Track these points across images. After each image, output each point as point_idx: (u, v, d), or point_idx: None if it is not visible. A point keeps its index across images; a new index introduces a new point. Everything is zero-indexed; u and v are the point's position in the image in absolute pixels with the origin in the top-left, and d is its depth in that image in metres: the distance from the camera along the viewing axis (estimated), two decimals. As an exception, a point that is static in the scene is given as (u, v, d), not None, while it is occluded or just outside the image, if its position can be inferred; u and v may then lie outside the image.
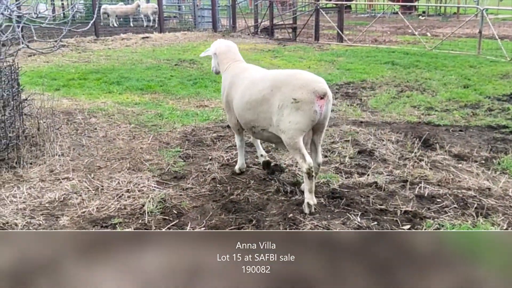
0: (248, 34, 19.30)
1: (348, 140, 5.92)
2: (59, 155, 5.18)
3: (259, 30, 19.75)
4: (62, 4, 26.43)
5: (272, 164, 4.84)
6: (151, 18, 22.76)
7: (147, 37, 17.31)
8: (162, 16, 19.73)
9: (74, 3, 26.30)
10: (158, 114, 7.26)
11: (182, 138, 6.03)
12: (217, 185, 4.45)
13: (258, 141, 4.75)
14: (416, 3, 30.44)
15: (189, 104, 8.13)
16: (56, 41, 5.43)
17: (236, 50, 4.77)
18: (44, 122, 5.86)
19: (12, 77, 4.89)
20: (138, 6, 22.87)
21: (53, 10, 25.87)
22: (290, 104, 3.69)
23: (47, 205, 4.02)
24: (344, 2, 19.16)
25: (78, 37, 16.53)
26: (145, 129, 6.48)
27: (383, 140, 6.04)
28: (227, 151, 5.46)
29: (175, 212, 3.86)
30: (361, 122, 6.99)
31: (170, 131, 6.41)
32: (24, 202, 4.02)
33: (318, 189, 4.26)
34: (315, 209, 3.86)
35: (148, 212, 3.85)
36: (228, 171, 4.82)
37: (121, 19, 24.18)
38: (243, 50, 14.96)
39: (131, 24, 23.20)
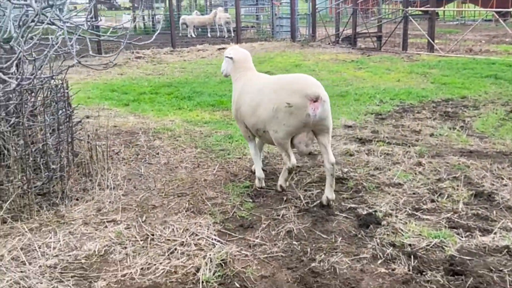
0: (329, 44, 18.22)
1: (458, 178, 4.72)
2: (111, 188, 4.47)
3: (340, 39, 18.62)
4: (143, 17, 26.81)
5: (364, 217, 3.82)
6: (224, 28, 22.34)
7: (223, 48, 16.76)
8: (240, 26, 19.16)
9: (153, 14, 26.65)
10: (228, 135, 6.43)
11: (252, 170, 5.13)
12: (293, 241, 3.47)
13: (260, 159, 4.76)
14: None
15: (263, 123, 7.24)
16: (113, 56, 4.70)
17: (250, 59, 4.78)
18: (102, 146, 5.22)
19: (60, 97, 4.23)
20: (215, 15, 22.55)
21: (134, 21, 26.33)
22: (284, 108, 3.88)
23: (83, 260, 3.25)
24: (435, 9, 17.54)
25: (154, 48, 16.32)
26: (212, 154, 5.66)
27: (502, 178, 4.77)
28: (306, 190, 4.46)
29: (238, 285, 2.92)
30: (470, 151, 5.71)
31: (240, 158, 5.54)
32: (56, 256, 3.28)
33: (430, 256, 3.16)
34: (331, 201, 4.08)
35: (202, 282, 2.95)
36: (308, 220, 3.83)
37: (199, 30, 24.03)
38: (323, 60, 13.93)
39: (209, 35, 22.93)
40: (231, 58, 4.68)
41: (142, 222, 3.83)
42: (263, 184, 4.53)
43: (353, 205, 4.10)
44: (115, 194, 4.36)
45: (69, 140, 4.40)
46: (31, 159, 3.96)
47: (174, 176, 4.93)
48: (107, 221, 3.85)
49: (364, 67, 12.73)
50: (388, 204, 4.15)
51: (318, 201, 4.15)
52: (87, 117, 7.76)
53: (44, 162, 3.93)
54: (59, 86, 4.16)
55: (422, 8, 17.77)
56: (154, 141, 6.24)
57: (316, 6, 18.59)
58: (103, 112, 8.18)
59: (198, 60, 14.81)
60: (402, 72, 11.85)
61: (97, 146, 4.87)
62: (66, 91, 4.35)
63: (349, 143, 6.15)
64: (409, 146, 5.94)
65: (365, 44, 17.99)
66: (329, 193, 4.07)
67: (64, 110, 4.19)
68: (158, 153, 5.70)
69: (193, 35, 22.68)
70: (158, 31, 5.45)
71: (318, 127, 3.98)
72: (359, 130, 6.82)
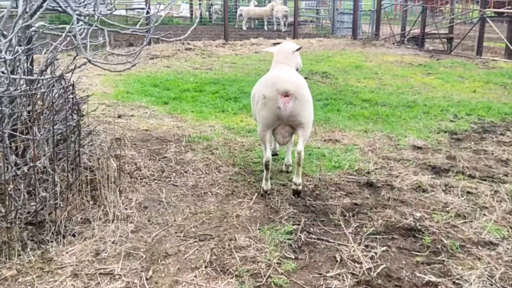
0: (393, 43, 16.76)
1: None
2: (119, 220, 3.57)
3: (406, 39, 17.12)
4: (200, 4, 26.15)
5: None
6: (281, 21, 21.25)
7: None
8: (297, 20, 18.02)
9: (211, 4, 25.88)
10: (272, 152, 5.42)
11: (299, 203, 4.10)
12: None
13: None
14: None
15: (315, 136, 6.18)
16: (136, 52, 3.79)
17: (285, 53, 4.85)
18: (120, 161, 4.35)
19: (62, 104, 3.35)
20: (273, 8, 21.50)
21: (191, 11, 25.72)
22: (262, 99, 4.18)
23: None
24: (517, 9, 15.70)
25: (206, 39, 15.51)
26: (250, 177, 4.67)
27: None
28: (366, 246, 3.38)
29: None
30: None
31: (284, 184, 4.52)
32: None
33: None
34: (296, 184, 4.24)
35: None
36: (370, 301, 2.77)
37: (256, 22, 23.07)
38: (387, 62, 12.61)
39: (265, 28, 21.94)
40: (272, 52, 5.09)
41: (146, 279, 2.90)
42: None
43: (432, 278, 2.99)
44: (122, 230, 3.46)
45: (73, 156, 3.53)
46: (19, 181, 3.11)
47: (200, 207, 3.99)
48: (103, 273, 2.94)
49: (433, 72, 11.34)
50: (481, 279, 3.02)
51: (383, 267, 3.08)
52: (119, 116, 6.98)
53: (32, 189, 3.07)
54: (60, 91, 3.28)
55: (502, 10, 15.94)
56: (185, 153, 5.33)
57: (382, 3, 17.15)
58: (138, 111, 7.38)
59: (250, 55, 13.85)
60: (477, 81, 10.39)
61: (111, 160, 4.00)
62: (71, 96, 3.47)
63: (420, 172, 4.99)
64: (498, 183, 4.73)
65: (433, 46, 16.41)
66: (296, 179, 4.25)
67: (65, 120, 3.31)
68: (187, 171, 4.77)
69: (244, 28, 21.75)
70: (195, 25, 4.47)
71: (293, 122, 4.22)
72: (431, 154, 5.63)
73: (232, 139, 5.97)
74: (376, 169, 5.00)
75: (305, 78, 10.05)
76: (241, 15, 22.52)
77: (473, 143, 6.15)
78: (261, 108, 4.20)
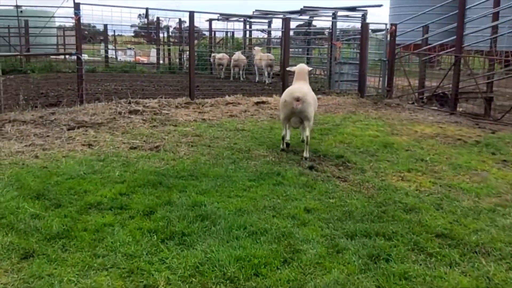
0: (413, 103, 12.83)
1: None
2: None
3: (425, 97, 13.26)
4: (169, 49, 22.26)
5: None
6: (265, 72, 17.37)
7: (262, 103, 11.63)
8: (287, 71, 13.99)
9: (182, 49, 21.89)
10: None
11: None
12: None
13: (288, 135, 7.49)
14: None
15: None
16: None
17: (304, 73, 7.55)
18: None
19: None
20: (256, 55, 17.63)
21: (158, 58, 21.79)
22: (283, 102, 6.97)
23: None
24: None
25: (165, 97, 11.31)
26: None
27: None
28: None
29: None
30: None
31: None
32: None
33: None
34: (306, 158, 6.83)
35: None
36: None
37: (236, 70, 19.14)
38: (425, 137, 8.50)
39: (241, 78, 17.97)
40: (294, 71, 7.68)
41: None
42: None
43: None
44: None
45: None
46: None
47: None
48: None
49: (508, 158, 7.25)
50: None
51: None
52: None
53: None
54: None
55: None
56: None
57: (396, 52, 13.35)
58: None
59: (224, 121, 9.66)
60: None
61: None
62: None
63: None
64: None
65: (461, 107, 12.51)
66: (305, 153, 6.92)
67: None
68: None
69: (222, 76, 17.82)
70: None
71: (302, 115, 6.87)
72: None
73: None
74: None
75: (312, 168, 5.91)
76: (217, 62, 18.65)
77: None
78: (282, 108, 7.00)
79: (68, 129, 8.14)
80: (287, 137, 7.33)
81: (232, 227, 4.24)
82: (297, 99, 6.71)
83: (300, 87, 7.04)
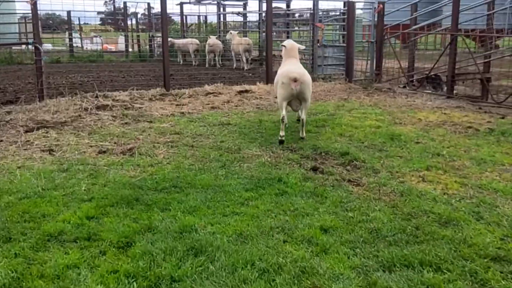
0: (404, 87, 12.00)
1: None
2: None
3: (415, 80, 12.44)
4: (138, 36, 20.93)
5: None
6: (243, 58, 16.32)
7: (246, 91, 10.60)
8: (271, 57, 12.96)
9: (152, 35, 20.62)
10: None
11: None
12: None
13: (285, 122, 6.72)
14: None
15: None
16: None
17: (295, 49, 7.11)
18: None
19: None
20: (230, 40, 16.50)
21: (126, 45, 20.49)
22: (281, 84, 6.48)
23: None
24: None
25: (135, 89, 10.17)
26: None
27: None
28: None
29: None
30: None
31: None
32: None
33: None
34: (302, 138, 6.71)
35: None
36: None
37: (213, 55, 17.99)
38: (432, 125, 7.61)
39: (218, 65, 16.85)
40: (284, 46, 7.23)
41: None
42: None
43: None
44: None
45: None
46: None
47: None
48: None
49: (529, 147, 6.45)
50: None
51: None
52: None
53: None
54: None
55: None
56: None
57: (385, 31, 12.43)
58: None
59: (205, 113, 8.61)
60: None
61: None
62: None
63: None
64: None
65: (457, 90, 11.73)
66: (301, 133, 6.75)
67: None
68: None
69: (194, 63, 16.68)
70: None
71: (300, 96, 6.53)
72: None
73: None
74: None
75: (316, 169, 4.87)
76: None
77: None
78: (280, 88, 6.52)
79: (26, 131, 6.97)
80: (285, 119, 6.62)
81: (236, 264, 3.25)
82: (295, 80, 6.37)
83: (297, 67, 6.72)
